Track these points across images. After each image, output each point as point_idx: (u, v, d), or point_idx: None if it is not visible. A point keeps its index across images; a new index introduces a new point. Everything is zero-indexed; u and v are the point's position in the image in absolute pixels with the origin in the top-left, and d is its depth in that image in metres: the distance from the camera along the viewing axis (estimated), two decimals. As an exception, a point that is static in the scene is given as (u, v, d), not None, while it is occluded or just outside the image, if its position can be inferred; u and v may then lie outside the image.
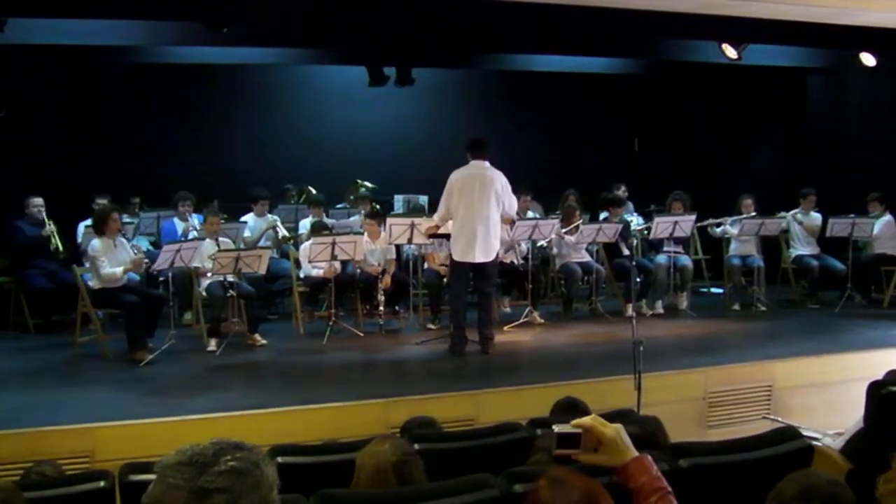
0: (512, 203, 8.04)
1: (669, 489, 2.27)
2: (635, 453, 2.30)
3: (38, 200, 9.20)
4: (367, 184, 11.78)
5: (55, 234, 9.07)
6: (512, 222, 9.46)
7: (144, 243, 9.92)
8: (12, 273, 9.19)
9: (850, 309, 9.79)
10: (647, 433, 3.50)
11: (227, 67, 11.92)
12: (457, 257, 7.80)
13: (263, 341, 8.35)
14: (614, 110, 14.03)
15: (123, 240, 8.07)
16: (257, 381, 7.20)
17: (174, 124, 12.19)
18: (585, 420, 2.34)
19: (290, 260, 9.49)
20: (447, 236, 8.35)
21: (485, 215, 7.70)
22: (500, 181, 7.84)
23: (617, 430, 2.31)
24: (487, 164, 7.85)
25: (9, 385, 6.85)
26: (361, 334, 8.78)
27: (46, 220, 9.14)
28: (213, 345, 8.05)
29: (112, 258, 7.78)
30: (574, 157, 13.42)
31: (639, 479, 2.25)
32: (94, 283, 7.82)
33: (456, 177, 7.82)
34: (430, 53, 11.71)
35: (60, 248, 9.05)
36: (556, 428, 2.31)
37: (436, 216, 8.15)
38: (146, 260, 8.00)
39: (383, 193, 11.73)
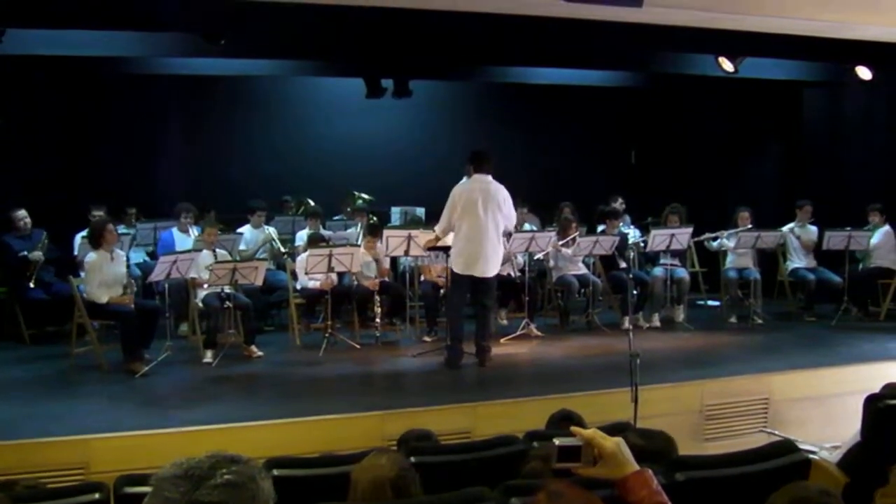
0: (511, 216, 8.05)
1: None
2: (636, 467, 2.29)
3: (22, 213, 9.17)
4: (364, 195, 11.78)
5: (44, 248, 9.04)
6: (509, 235, 9.47)
7: (140, 256, 9.92)
8: (8, 284, 9.16)
9: (847, 322, 9.80)
10: (658, 448, 3.49)
11: (225, 79, 11.93)
12: (459, 270, 7.80)
13: (260, 353, 8.35)
14: (611, 123, 14.05)
15: (121, 252, 8.04)
16: (253, 393, 7.18)
17: (171, 135, 12.21)
18: (586, 431, 2.33)
19: (286, 271, 9.48)
20: (446, 249, 8.36)
21: (489, 230, 7.73)
22: (503, 195, 7.86)
23: (617, 444, 2.30)
24: (490, 178, 7.88)
25: (4, 396, 6.83)
26: (358, 346, 8.76)
27: (44, 242, 9.11)
28: (209, 356, 8.05)
29: (106, 272, 7.78)
30: (571, 170, 13.44)
31: (639, 493, 2.24)
32: (88, 295, 7.81)
33: (459, 190, 7.84)
34: (428, 66, 11.73)
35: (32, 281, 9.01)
36: (557, 441, 2.30)
37: (437, 228, 8.14)
38: (132, 303, 7.96)
39: (380, 205, 11.73)
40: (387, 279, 9.52)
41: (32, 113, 10.80)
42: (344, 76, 12.27)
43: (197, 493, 1.51)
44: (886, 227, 10.33)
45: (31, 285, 8.92)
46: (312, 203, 11.44)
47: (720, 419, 7.05)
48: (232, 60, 10.61)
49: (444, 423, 5.93)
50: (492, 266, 7.81)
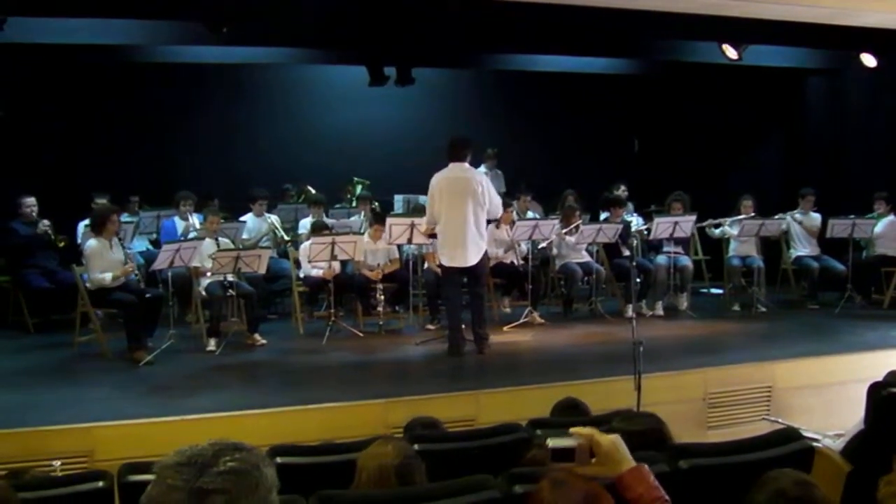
0: (495, 203, 7.97)
1: (667, 498, 2.25)
2: (632, 463, 2.29)
3: (31, 200, 9.20)
4: (363, 181, 11.77)
5: (51, 229, 9.05)
6: (512, 222, 9.47)
7: (143, 244, 9.93)
8: (11, 272, 9.18)
9: (851, 310, 9.78)
10: (642, 428, 3.49)
11: (228, 67, 11.91)
12: (446, 263, 7.81)
13: (263, 341, 8.36)
14: (614, 110, 14.02)
15: (119, 241, 8.03)
16: (257, 381, 7.19)
17: (174, 124, 12.18)
18: (584, 430, 2.32)
19: (289, 260, 9.48)
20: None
21: (469, 218, 7.69)
22: (481, 181, 7.84)
23: (613, 441, 2.29)
24: (466, 165, 7.86)
25: (8, 384, 6.85)
26: (361, 334, 8.77)
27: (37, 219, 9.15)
28: (212, 344, 8.06)
29: (106, 259, 7.77)
30: (574, 158, 13.42)
31: (636, 490, 2.24)
32: (90, 284, 7.82)
33: (436, 181, 7.83)
34: (431, 53, 11.71)
35: (58, 238, 9.08)
36: (551, 442, 2.29)
37: (424, 222, 8.17)
38: (136, 272, 7.97)
39: (383, 193, 11.71)
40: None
41: (34, 102, 10.80)
42: (347, 64, 12.24)
43: (200, 481, 1.51)
44: (891, 217, 10.31)
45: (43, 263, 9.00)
46: (313, 191, 11.43)
47: (723, 407, 7.04)
48: (234, 49, 10.59)
49: (447, 410, 5.92)
50: (474, 254, 7.76)
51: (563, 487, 2.15)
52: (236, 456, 1.56)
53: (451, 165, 7.81)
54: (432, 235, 8.64)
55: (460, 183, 7.73)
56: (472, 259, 7.75)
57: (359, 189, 11.47)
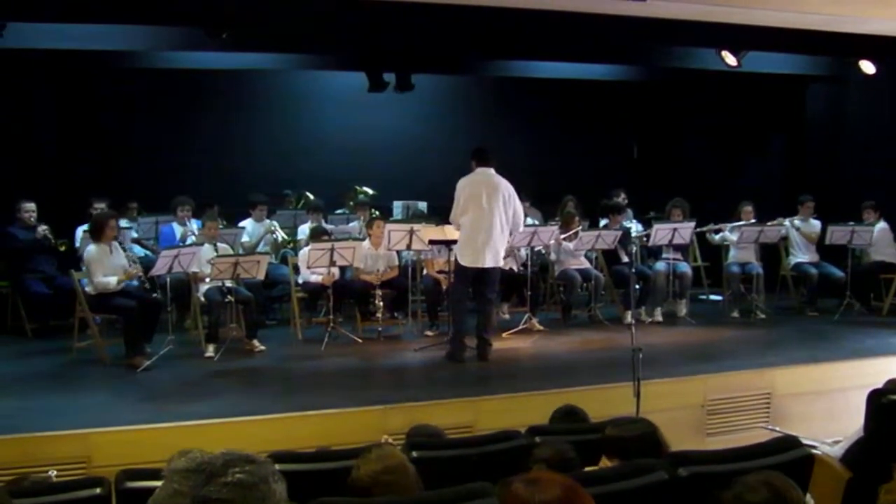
0: (519, 213, 8.02)
1: None
2: None
3: (31, 206, 9.16)
4: (368, 190, 11.77)
5: (49, 232, 9.03)
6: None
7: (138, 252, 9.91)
8: (9, 278, 9.16)
9: (850, 317, 9.79)
10: (637, 434, 3.49)
11: (227, 73, 11.89)
12: (465, 262, 7.79)
13: (262, 347, 8.34)
14: (613, 117, 14.03)
15: (118, 245, 8.02)
16: (255, 387, 7.17)
17: (173, 129, 12.17)
18: None
19: (288, 266, 9.47)
20: (446, 242, 8.34)
21: (493, 221, 7.73)
22: (507, 189, 7.87)
23: None
24: (493, 171, 7.88)
25: (6, 390, 6.82)
26: (360, 340, 8.75)
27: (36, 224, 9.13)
28: (211, 350, 8.04)
29: (107, 264, 7.76)
30: (573, 164, 13.41)
31: None
32: (90, 289, 7.80)
33: (464, 183, 7.85)
34: (430, 60, 11.71)
35: (59, 242, 9.06)
36: None
37: (451, 224, 8.13)
38: (140, 274, 7.97)
39: (382, 199, 11.70)
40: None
41: (34, 107, 10.80)
42: (346, 70, 12.24)
43: (206, 489, 1.51)
44: (882, 224, 10.32)
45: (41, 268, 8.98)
46: (312, 197, 11.42)
47: (722, 414, 7.04)
48: (233, 54, 10.59)
49: (446, 417, 5.92)
50: (496, 257, 7.82)
51: (538, 485, 2.14)
52: (246, 468, 1.56)
53: (480, 169, 7.88)
54: (433, 242, 8.64)
55: (490, 186, 7.78)
56: (494, 262, 7.80)
57: (360, 197, 11.45)
